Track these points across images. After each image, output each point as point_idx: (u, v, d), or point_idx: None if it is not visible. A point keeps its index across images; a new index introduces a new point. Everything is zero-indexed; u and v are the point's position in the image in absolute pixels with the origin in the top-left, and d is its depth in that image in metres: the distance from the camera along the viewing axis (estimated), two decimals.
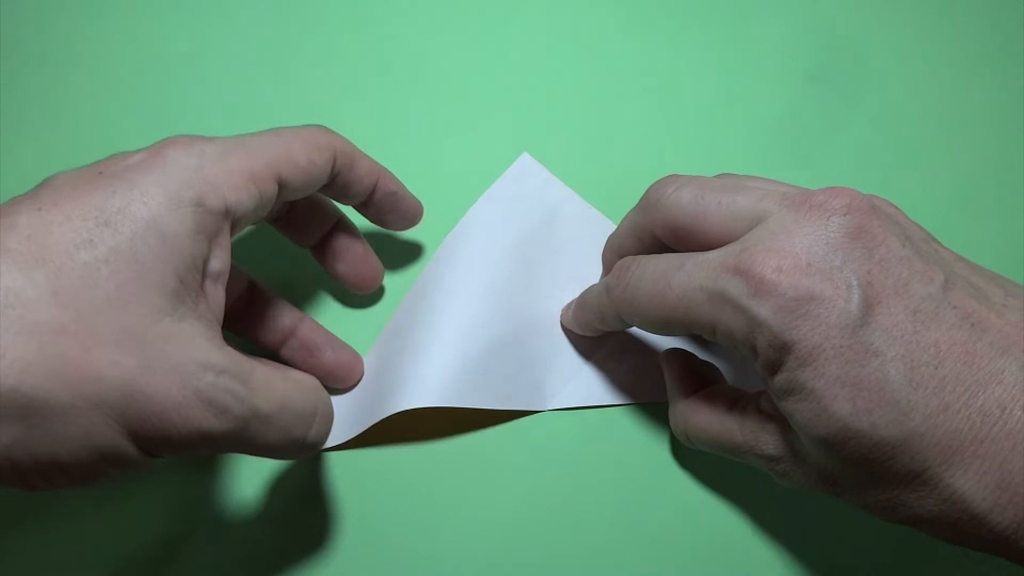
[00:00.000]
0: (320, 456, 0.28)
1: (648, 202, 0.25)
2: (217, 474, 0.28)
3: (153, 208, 0.20)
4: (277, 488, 0.28)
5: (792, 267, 0.20)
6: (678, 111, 0.36)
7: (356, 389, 0.29)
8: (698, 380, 0.27)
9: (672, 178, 0.25)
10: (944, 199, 0.35)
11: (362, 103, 0.35)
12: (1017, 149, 0.36)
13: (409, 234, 0.32)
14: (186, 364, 0.19)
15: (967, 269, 0.22)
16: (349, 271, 0.29)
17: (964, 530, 0.19)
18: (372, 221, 0.29)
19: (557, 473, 0.29)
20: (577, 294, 0.29)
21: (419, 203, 0.29)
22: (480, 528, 0.28)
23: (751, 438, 0.23)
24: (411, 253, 0.31)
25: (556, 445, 0.29)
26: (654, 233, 0.25)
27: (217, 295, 0.22)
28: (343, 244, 0.29)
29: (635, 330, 0.30)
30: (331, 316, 0.31)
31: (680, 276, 0.22)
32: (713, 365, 0.28)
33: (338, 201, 0.28)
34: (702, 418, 0.25)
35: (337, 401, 0.29)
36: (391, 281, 0.31)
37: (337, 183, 0.26)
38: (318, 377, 0.24)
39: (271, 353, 0.28)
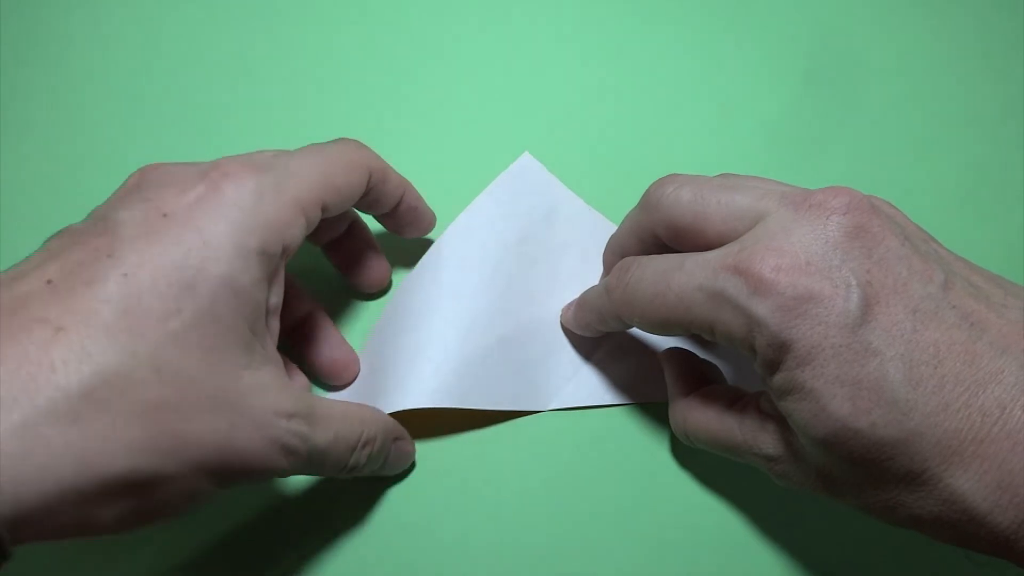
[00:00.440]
0: None
1: (648, 202, 0.25)
2: None
3: (224, 264, 0.20)
4: (275, 488, 0.28)
5: (791, 266, 0.20)
6: (678, 111, 0.36)
7: (353, 387, 0.29)
8: (698, 379, 0.27)
9: (672, 178, 0.25)
10: (943, 199, 0.35)
11: (363, 102, 0.35)
12: (1016, 149, 0.36)
13: None
14: (266, 415, 0.21)
15: (966, 269, 0.22)
16: (361, 274, 0.30)
17: (964, 531, 0.19)
18: (388, 229, 0.30)
19: (557, 473, 0.29)
20: (577, 294, 0.29)
21: (434, 215, 0.30)
22: (480, 528, 0.28)
23: (750, 437, 0.23)
24: (413, 252, 0.31)
25: (556, 445, 0.29)
26: (654, 233, 0.25)
27: (275, 327, 0.23)
28: (356, 247, 0.30)
29: (635, 330, 0.30)
30: (336, 304, 0.31)
31: (680, 276, 0.22)
32: (713, 364, 0.28)
33: (361, 211, 0.28)
34: (701, 416, 0.25)
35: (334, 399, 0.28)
36: (395, 277, 0.31)
37: (368, 198, 0.27)
38: (313, 371, 0.24)
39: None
